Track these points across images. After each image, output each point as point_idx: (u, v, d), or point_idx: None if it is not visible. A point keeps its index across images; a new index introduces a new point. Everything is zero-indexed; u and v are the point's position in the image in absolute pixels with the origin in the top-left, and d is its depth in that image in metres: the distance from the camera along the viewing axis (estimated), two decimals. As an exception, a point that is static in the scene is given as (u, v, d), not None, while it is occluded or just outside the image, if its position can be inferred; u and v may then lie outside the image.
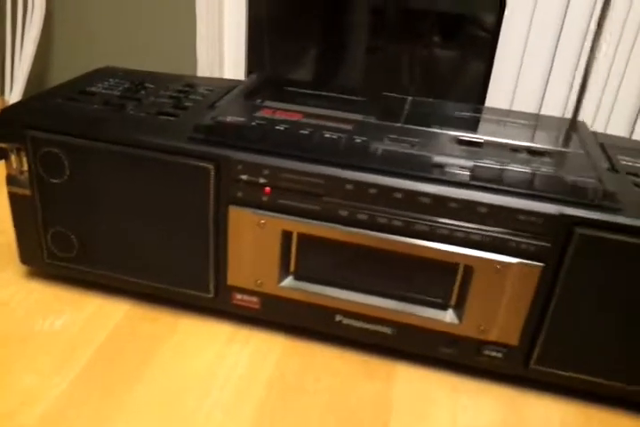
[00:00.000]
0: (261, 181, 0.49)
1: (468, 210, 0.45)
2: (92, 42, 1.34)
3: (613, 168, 0.50)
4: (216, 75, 1.40)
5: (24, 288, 0.59)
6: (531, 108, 1.24)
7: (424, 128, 0.53)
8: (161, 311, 0.57)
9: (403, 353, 0.53)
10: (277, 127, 0.50)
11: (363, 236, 0.48)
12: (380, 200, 0.47)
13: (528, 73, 1.25)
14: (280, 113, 0.53)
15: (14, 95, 1.19)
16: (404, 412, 0.49)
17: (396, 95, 0.62)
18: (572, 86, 1.17)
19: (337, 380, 0.51)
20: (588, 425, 0.49)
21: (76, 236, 0.55)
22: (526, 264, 0.46)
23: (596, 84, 1.19)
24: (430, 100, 0.61)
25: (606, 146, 0.55)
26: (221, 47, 1.38)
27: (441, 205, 0.46)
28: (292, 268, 0.52)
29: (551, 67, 1.23)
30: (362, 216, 0.48)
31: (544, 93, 1.25)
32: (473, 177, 0.46)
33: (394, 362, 0.53)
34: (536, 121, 0.59)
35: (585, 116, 1.23)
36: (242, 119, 0.51)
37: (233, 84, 0.63)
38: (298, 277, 0.53)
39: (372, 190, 0.47)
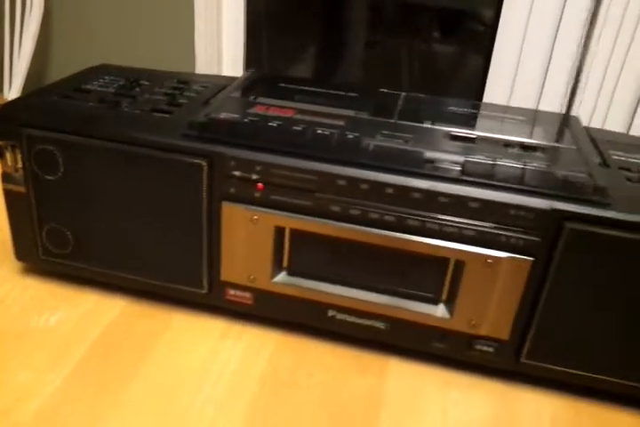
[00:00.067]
0: (254, 177, 0.49)
1: (459, 205, 0.46)
2: (90, 39, 1.34)
3: (605, 163, 0.50)
4: (214, 72, 1.40)
5: (19, 285, 0.59)
6: (529, 103, 1.24)
7: (417, 124, 0.53)
8: (155, 308, 0.58)
9: (395, 348, 0.54)
10: (270, 124, 0.50)
11: (355, 231, 0.48)
12: (371, 196, 0.47)
13: (526, 68, 1.24)
14: (273, 109, 0.54)
15: (13, 92, 1.19)
16: (395, 406, 0.49)
17: (389, 91, 0.62)
18: (569, 81, 1.17)
19: (329, 375, 0.52)
20: (578, 419, 0.49)
21: (71, 232, 0.55)
22: (517, 259, 0.46)
23: (593, 80, 1.19)
24: (424, 96, 0.62)
25: (598, 141, 0.55)
26: (220, 44, 1.38)
27: (432, 201, 0.46)
28: (284, 263, 0.53)
29: (549, 62, 1.22)
30: (354, 212, 0.48)
31: (542, 89, 1.24)
32: (464, 172, 0.46)
33: (386, 357, 0.54)
34: (530, 116, 0.59)
35: (583, 111, 1.22)
36: (235, 116, 0.51)
37: (228, 81, 0.63)
38: (291, 273, 0.53)
39: (364, 186, 0.47)
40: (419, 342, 0.52)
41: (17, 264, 0.60)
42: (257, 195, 0.49)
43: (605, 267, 0.44)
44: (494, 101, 1.13)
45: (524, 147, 0.50)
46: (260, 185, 0.49)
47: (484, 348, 0.50)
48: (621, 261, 0.44)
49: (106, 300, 0.58)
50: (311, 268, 0.52)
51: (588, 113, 1.23)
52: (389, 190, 0.47)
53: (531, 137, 0.52)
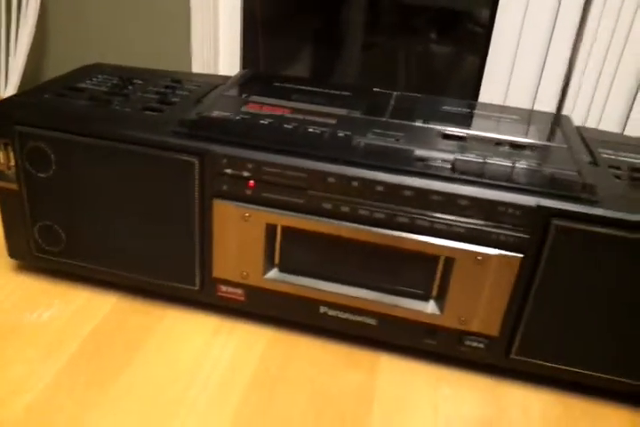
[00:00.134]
0: (245, 174, 0.49)
1: (448, 202, 0.46)
2: (87, 38, 1.34)
3: (594, 161, 0.51)
4: (211, 72, 1.40)
5: (12, 281, 0.59)
6: (524, 103, 1.24)
7: (409, 123, 0.54)
8: (148, 304, 0.58)
9: (386, 344, 0.54)
10: (262, 122, 0.51)
11: (346, 228, 0.49)
12: (362, 193, 0.47)
13: (521, 69, 1.25)
14: (266, 108, 0.54)
15: (9, 90, 1.20)
16: (386, 402, 0.49)
17: (382, 90, 0.62)
18: (565, 81, 1.17)
19: (320, 371, 0.52)
20: (567, 414, 0.49)
21: (64, 230, 0.55)
22: (506, 255, 0.46)
23: (588, 81, 1.20)
24: (416, 95, 0.62)
25: (589, 140, 0.56)
26: (216, 44, 1.38)
27: (422, 198, 0.46)
28: (276, 260, 0.53)
29: (544, 62, 1.23)
30: (345, 209, 0.48)
31: (537, 89, 1.25)
32: (454, 170, 0.47)
33: (378, 353, 0.54)
34: (522, 116, 0.59)
35: (578, 112, 1.23)
36: (227, 114, 0.52)
37: (222, 80, 0.63)
38: (282, 270, 0.53)
39: (355, 184, 0.47)
40: (409, 338, 0.52)
41: (10, 261, 0.61)
42: (248, 192, 0.50)
43: (594, 263, 0.45)
44: (490, 102, 1.13)
45: (514, 145, 0.51)
46: (251, 183, 0.49)
47: (475, 344, 0.51)
48: (609, 258, 0.44)
49: (98, 296, 0.58)
50: (303, 265, 0.53)
51: (583, 114, 1.24)
52: (380, 188, 0.47)
53: (521, 136, 0.53)
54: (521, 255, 0.46)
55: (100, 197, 0.53)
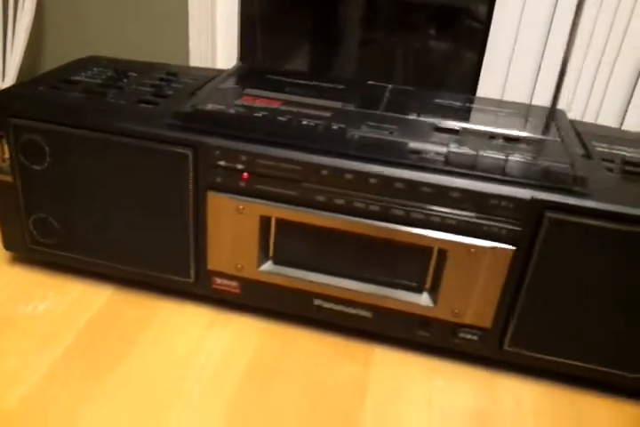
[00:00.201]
0: (239, 166, 0.49)
1: (442, 195, 0.46)
2: (84, 33, 1.34)
3: (588, 154, 0.51)
4: (208, 66, 1.40)
5: (7, 274, 0.60)
6: (522, 98, 1.24)
7: (402, 116, 0.54)
8: (143, 296, 0.58)
9: (381, 337, 0.54)
10: (256, 114, 0.51)
11: (340, 221, 0.49)
12: (356, 185, 0.48)
13: (518, 63, 1.25)
14: (260, 100, 0.54)
15: (7, 84, 1.20)
16: (380, 394, 0.50)
17: (377, 84, 0.62)
18: (562, 76, 1.17)
19: (315, 363, 0.52)
20: (560, 405, 0.50)
21: (58, 222, 0.55)
22: (499, 248, 0.46)
23: (586, 75, 1.20)
24: (411, 88, 0.62)
25: (583, 133, 0.56)
26: (214, 38, 1.38)
27: (416, 191, 0.47)
28: (271, 252, 0.53)
29: (542, 57, 1.23)
30: (339, 201, 0.49)
31: (535, 84, 1.25)
32: (447, 163, 0.47)
33: (372, 346, 0.54)
34: (516, 110, 0.59)
35: (575, 106, 1.23)
36: (221, 106, 0.52)
37: (217, 73, 0.63)
38: (277, 262, 0.53)
39: (349, 176, 0.47)
40: (404, 330, 0.52)
41: (4, 253, 0.61)
42: (242, 184, 0.50)
43: (586, 255, 0.45)
44: (487, 96, 1.13)
45: (507, 139, 0.51)
46: (245, 175, 0.49)
47: (468, 336, 0.51)
48: (601, 250, 0.44)
49: (93, 289, 0.58)
50: (297, 257, 0.53)
51: (581, 108, 1.24)
52: (374, 180, 0.47)
53: (515, 129, 0.53)
54: (514, 248, 0.46)
55: (95, 190, 0.53)
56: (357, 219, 0.49)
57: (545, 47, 1.24)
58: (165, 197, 0.52)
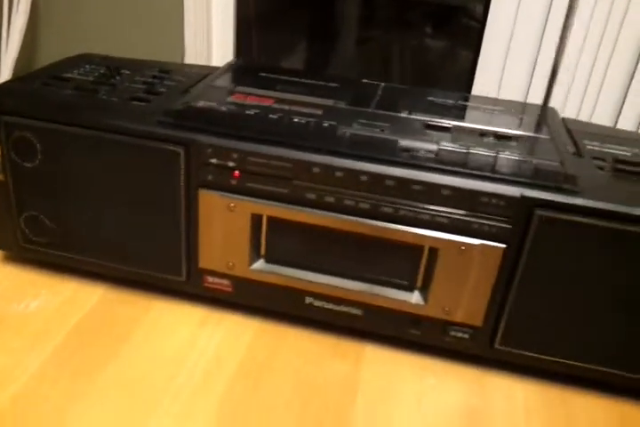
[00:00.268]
0: (230, 164, 0.49)
1: (432, 193, 0.46)
2: (79, 32, 1.33)
3: (578, 153, 0.51)
4: (204, 64, 1.40)
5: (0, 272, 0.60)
6: (517, 96, 1.24)
7: (394, 113, 0.54)
8: (135, 295, 0.58)
9: (372, 335, 0.54)
10: (247, 112, 0.51)
11: (330, 218, 0.49)
12: (346, 183, 0.48)
13: (514, 61, 1.25)
14: (252, 98, 0.54)
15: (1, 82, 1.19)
16: (370, 392, 0.50)
17: (369, 82, 0.62)
18: (557, 74, 1.17)
19: (306, 361, 0.52)
20: (552, 404, 0.50)
21: (50, 220, 0.55)
22: (489, 246, 0.46)
23: (581, 74, 1.20)
24: (403, 86, 0.62)
25: (574, 132, 0.56)
26: (209, 36, 1.38)
27: (406, 188, 0.47)
28: (262, 251, 0.53)
29: (537, 55, 1.23)
30: (330, 199, 0.49)
31: (530, 82, 1.25)
32: (438, 160, 0.47)
33: (363, 344, 0.54)
34: (508, 107, 0.59)
35: (569, 105, 1.23)
36: (212, 104, 0.52)
37: (210, 70, 0.63)
38: (268, 260, 0.53)
39: (339, 174, 0.47)
40: (395, 328, 0.52)
41: (-3, 252, 0.61)
42: (233, 182, 0.50)
43: (576, 253, 0.45)
44: (482, 95, 1.14)
45: (498, 136, 0.51)
46: (236, 173, 0.49)
47: (459, 334, 0.51)
48: (591, 248, 0.45)
49: (86, 287, 0.58)
50: (289, 255, 0.53)
51: (576, 107, 1.24)
52: (364, 178, 0.47)
53: (506, 127, 0.53)
54: (504, 246, 0.46)
55: (87, 188, 0.53)
56: (348, 217, 0.49)
57: (540, 45, 1.24)
58: (157, 195, 0.52)
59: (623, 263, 0.45)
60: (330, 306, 0.53)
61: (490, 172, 0.46)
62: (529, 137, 0.52)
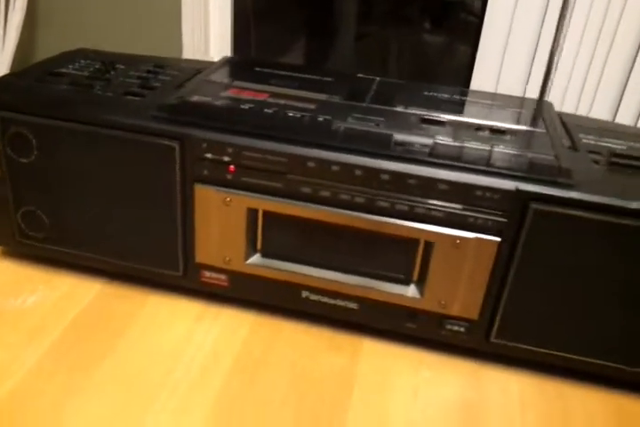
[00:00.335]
0: (226, 159, 0.49)
1: (427, 186, 0.46)
2: (78, 26, 1.33)
3: (574, 146, 0.51)
4: (202, 59, 1.40)
5: (-4, 267, 0.60)
6: (515, 90, 1.24)
7: (389, 108, 0.54)
8: (132, 290, 0.58)
9: (369, 329, 0.54)
10: (242, 106, 0.51)
11: (326, 213, 0.49)
12: (341, 177, 0.48)
13: (512, 55, 1.25)
14: (247, 93, 0.54)
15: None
16: (367, 385, 0.50)
17: (365, 76, 0.62)
18: (555, 69, 1.17)
19: (303, 355, 0.52)
20: (548, 397, 0.50)
21: (47, 215, 0.55)
22: (484, 239, 0.46)
23: (579, 69, 1.20)
24: (399, 81, 0.62)
25: (570, 125, 0.56)
26: (207, 31, 1.38)
27: (401, 182, 0.47)
28: (258, 245, 0.53)
29: (535, 50, 1.23)
30: (325, 193, 0.49)
31: (528, 76, 1.25)
32: (433, 154, 0.47)
33: (360, 338, 0.55)
34: (504, 101, 0.59)
35: (568, 100, 1.23)
36: (207, 98, 0.52)
37: (206, 65, 0.63)
38: (265, 255, 0.53)
39: (334, 168, 0.47)
40: (391, 322, 0.53)
41: (-6, 248, 0.61)
42: (229, 177, 0.50)
43: (571, 247, 0.45)
44: (481, 89, 1.14)
45: (493, 130, 0.51)
46: (231, 167, 0.49)
47: (455, 327, 0.51)
48: (586, 241, 0.45)
49: (83, 282, 0.58)
50: (285, 249, 0.53)
51: (574, 101, 1.24)
52: (359, 172, 0.47)
53: (501, 121, 0.53)
54: (499, 239, 0.46)
55: (83, 183, 0.53)
56: (344, 211, 0.49)
57: (538, 40, 1.24)
58: (153, 190, 0.52)
59: (618, 257, 0.45)
60: (326, 300, 0.53)
61: (485, 165, 0.46)
62: (524, 131, 0.52)
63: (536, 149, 0.47)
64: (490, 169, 0.46)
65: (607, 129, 0.58)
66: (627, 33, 1.15)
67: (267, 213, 0.51)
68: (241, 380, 0.49)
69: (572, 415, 0.48)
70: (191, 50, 1.38)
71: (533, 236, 0.45)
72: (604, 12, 1.15)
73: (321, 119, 0.49)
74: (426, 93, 0.59)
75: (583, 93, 1.22)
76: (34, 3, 1.25)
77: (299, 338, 0.54)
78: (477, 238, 0.47)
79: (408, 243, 0.49)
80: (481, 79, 1.31)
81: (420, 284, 0.50)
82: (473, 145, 0.47)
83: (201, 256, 0.54)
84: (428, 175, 0.46)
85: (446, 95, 0.59)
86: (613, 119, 1.25)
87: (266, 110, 0.50)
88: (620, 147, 0.52)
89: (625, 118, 1.22)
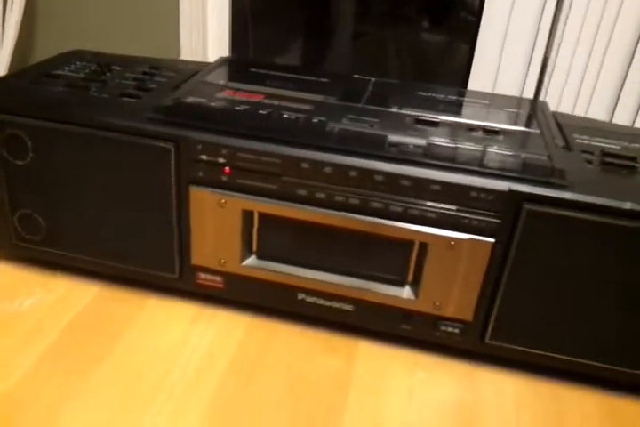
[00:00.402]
0: (221, 160, 0.49)
1: (421, 188, 0.46)
2: (75, 27, 1.33)
3: (568, 146, 0.51)
4: (200, 60, 1.40)
5: (-7, 270, 0.60)
6: (513, 91, 1.24)
7: (384, 108, 0.54)
8: (129, 293, 0.58)
9: (364, 330, 0.54)
10: (237, 108, 0.51)
11: (321, 214, 0.49)
12: (336, 179, 0.48)
13: (510, 55, 1.25)
14: (242, 94, 0.54)
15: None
16: (362, 387, 0.50)
17: (360, 77, 0.62)
18: (552, 69, 1.17)
19: (299, 357, 0.52)
20: (543, 399, 0.50)
21: (43, 218, 0.56)
22: (477, 240, 0.46)
23: (576, 69, 1.20)
24: (394, 81, 0.62)
25: (564, 125, 0.56)
26: (205, 32, 1.38)
27: (395, 183, 0.47)
28: (254, 247, 0.53)
29: (532, 50, 1.23)
30: (319, 195, 0.49)
31: (525, 77, 1.25)
32: (426, 155, 0.47)
33: (355, 339, 0.55)
34: (498, 102, 0.59)
35: (565, 99, 1.23)
36: (202, 100, 0.52)
37: (202, 67, 0.63)
38: (260, 257, 0.54)
39: (329, 169, 0.48)
40: (386, 323, 0.53)
41: (-9, 250, 0.61)
42: (224, 179, 0.50)
43: (564, 247, 0.45)
44: (479, 89, 1.14)
45: (487, 131, 0.51)
46: (226, 169, 0.49)
47: (450, 329, 0.51)
48: (579, 242, 0.45)
49: (79, 285, 0.59)
50: (280, 251, 0.53)
51: (572, 101, 1.24)
52: (353, 173, 0.47)
53: (496, 121, 0.53)
54: (493, 240, 0.46)
55: (79, 185, 0.53)
56: (338, 212, 0.49)
57: (536, 39, 1.23)
58: (149, 192, 0.52)
59: (612, 257, 0.45)
60: (321, 302, 0.53)
61: (478, 166, 0.46)
62: (518, 131, 0.52)
63: (529, 150, 0.47)
64: (483, 170, 0.46)
65: (602, 129, 0.58)
66: (624, 32, 1.15)
67: (262, 215, 0.51)
68: (237, 382, 0.49)
69: (568, 417, 0.48)
70: (189, 52, 1.38)
71: (527, 236, 0.45)
72: (600, 12, 1.15)
73: (315, 120, 0.49)
74: (421, 94, 0.59)
75: (580, 93, 1.22)
76: (33, 4, 1.25)
77: (294, 340, 0.54)
78: (471, 239, 0.47)
79: (403, 244, 0.49)
80: (479, 79, 1.31)
81: (415, 285, 0.50)
82: (466, 146, 0.47)
83: (197, 258, 0.54)
84: (422, 176, 0.46)
85: (442, 95, 0.59)
86: (611, 119, 1.25)
87: (260, 112, 0.50)
88: (612, 147, 0.52)
89: (622, 118, 1.22)
